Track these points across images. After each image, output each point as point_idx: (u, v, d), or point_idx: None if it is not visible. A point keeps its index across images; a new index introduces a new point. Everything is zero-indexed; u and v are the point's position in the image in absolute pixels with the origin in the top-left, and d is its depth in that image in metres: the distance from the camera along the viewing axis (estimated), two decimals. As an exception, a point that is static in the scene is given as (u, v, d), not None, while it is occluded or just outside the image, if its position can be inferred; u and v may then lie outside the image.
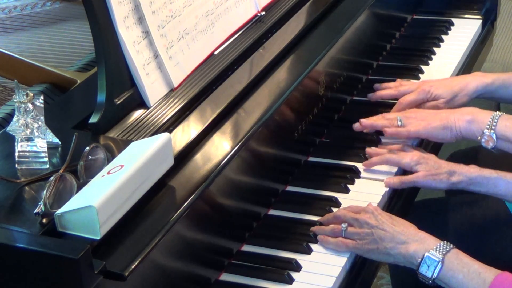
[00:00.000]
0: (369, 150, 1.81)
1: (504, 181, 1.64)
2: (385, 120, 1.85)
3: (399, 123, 1.82)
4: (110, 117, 1.43)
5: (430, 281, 1.48)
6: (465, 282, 1.45)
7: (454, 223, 1.84)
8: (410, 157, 1.72)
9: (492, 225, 1.81)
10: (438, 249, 1.48)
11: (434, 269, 1.46)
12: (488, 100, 2.00)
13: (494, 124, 1.73)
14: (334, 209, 1.65)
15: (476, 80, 1.92)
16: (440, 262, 1.46)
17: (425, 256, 1.47)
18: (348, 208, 1.62)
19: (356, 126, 1.87)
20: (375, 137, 1.88)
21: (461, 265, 1.46)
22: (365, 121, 1.86)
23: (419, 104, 1.93)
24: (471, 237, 1.78)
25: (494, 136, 1.73)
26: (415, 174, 1.70)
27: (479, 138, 1.75)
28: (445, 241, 1.49)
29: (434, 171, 1.68)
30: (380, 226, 1.53)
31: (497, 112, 1.76)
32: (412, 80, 2.09)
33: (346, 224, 1.56)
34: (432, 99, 1.92)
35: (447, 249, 1.47)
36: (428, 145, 1.92)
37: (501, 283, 1.42)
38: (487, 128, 1.74)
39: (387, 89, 2.00)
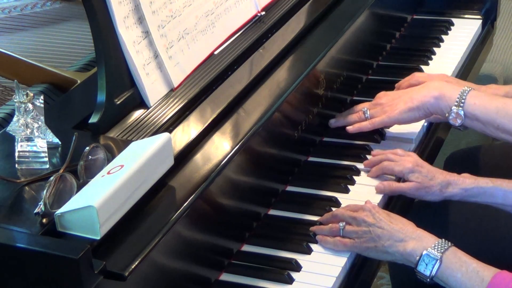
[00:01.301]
0: (366, 162, 1.79)
1: (501, 190, 1.62)
2: (353, 114, 1.86)
3: (366, 115, 1.83)
4: (110, 117, 1.43)
5: (428, 279, 1.48)
6: (463, 280, 1.45)
7: (454, 223, 1.84)
8: (403, 165, 1.70)
9: (492, 226, 1.81)
10: (436, 247, 1.48)
11: (433, 267, 1.46)
12: None
13: (463, 101, 1.71)
14: (334, 209, 1.64)
15: (489, 91, 1.90)
16: (438, 261, 1.46)
17: (423, 254, 1.47)
18: (347, 207, 1.62)
19: (330, 123, 1.88)
20: (375, 137, 1.88)
21: (460, 263, 1.46)
22: (335, 123, 1.88)
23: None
24: (471, 237, 1.78)
25: (462, 113, 1.71)
26: (407, 185, 1.68)
27: (446, 115, 1.73)
28: (443, 239, 1.49)
29: (426, 183, 1.66)
30: (378, 224, 1.53)
31: (465, 87, 1.74)
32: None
33: (344, 223, 1.56)
34: None
35: (446, 247, 1.47)
36: (429, 142, 1.92)
37: (499, 282, 1.43)
38: (455, 105, 1.72)
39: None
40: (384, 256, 1.53)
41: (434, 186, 1.65)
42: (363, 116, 1.84)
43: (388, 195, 1.72)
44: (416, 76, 1.95)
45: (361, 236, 1.54)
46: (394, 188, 1.70)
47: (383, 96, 1.86)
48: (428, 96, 1.75)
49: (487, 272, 1.45)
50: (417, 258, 1.48)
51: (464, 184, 1.64)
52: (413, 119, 1.80)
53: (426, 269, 1.47)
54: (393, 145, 1.84)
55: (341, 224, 1.56)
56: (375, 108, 1.83)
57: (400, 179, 1.74)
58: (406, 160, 1.71)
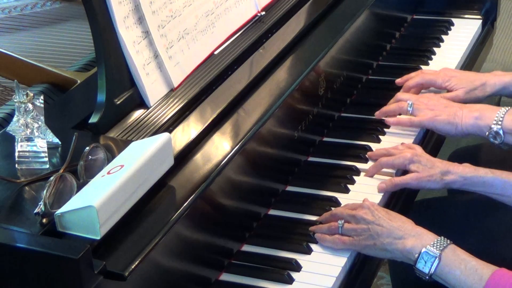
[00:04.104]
0: (370, 154, 1.81)
1: (500, 180, 1.64)
2: (395, 104, 1.88)
3: (409, 108, 1.85)
4: (110, 117, 1.43)
5: (427, 277, 1.48)
6: (462, 278, 1.45)
7: (454, 222, 1.84)
8: (403, 157, 1.72)
9: (491, 225, 1.81)
10: (435, 244, 1.48)
11: (431, 265, 1.46)
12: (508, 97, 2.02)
13: (501, 119, 1.75)
14: (333, 209, 1.64)
15: (495, 78, 1.94)
16: (437, 258, 1.46)
17: (422, 251, 1.47)
18: (345, 206, 1.62)
19: (376, 114, 1.91)
20: (375, 137, 1.88)
21: (458, 261, 1.46)
22: (378, 113, 1.91)
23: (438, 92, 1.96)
24: (470, 236, 1.78)
25: (501, 132, 1.74)
26: (408, 176, 1.70)
27: (487, 134, 1.77)
28: (442, 237, 1.49)
29: (427, 172, 1.68)
30: (376, 222, 1.53)
31: (505, 107, 1.77)
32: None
33: (343, 221, 1.56)
34: (450, 88, 1.94)
35: (444, 245, 1.47)
36: (430, 140, 1.92)
37: (498, 279, 1.43)
38: (494, 124, 1.75)
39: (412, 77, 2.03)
40: (383, 253, 1.53)
41: (434, 174, 1.67)
42: (405, 108, 1.86)
43: (392, 191, 1.73)
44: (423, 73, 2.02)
45: (360, 233, 1.54)
46: (396, 182, 1.71)
47: (431, 98, 1.88)
48: (469, 117, 1.79)
49: (486, 269, 1.45)
50: (416, 255, 1.48)
51: (464, 172, 1.67)
52: (449, 133, 1.84)
53: (425, 267, 1.47)
54: (393, 145, 1.84)
55: (340, 222, 1.56)
56: (419, 105, 1.85)
57: (402, 173, 1.76)
58: (405, 151, 1.74)
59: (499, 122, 1.75)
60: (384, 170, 1.76)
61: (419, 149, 1.76)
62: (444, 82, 1.95)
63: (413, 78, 2.01)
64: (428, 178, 1.68)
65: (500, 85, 1.93)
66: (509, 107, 1.77)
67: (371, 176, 1.76)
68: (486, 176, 1.65)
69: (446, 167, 1.68)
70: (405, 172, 1.76)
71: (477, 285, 1.43)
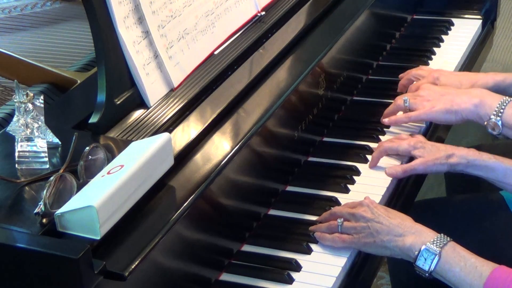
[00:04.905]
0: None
1: (502, 167, 1.65)
2: (392, 104, 1.89)
3: (406, 104, 1.84)
4: (110, 117, 1.43)
5: (427, 274, 1.48)
6: (462, 275, 1.45)
7: (454, 222, 1.84)
8: (407, 142, 1.74)
9: (493, 226, 1.81)
10: (435, 242, 1.48)
11: (431, 262, 1.46)
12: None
13: (502, 111, 1.73)
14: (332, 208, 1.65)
15: (487, 77, 1.93)
16: (437, 255, 1.46)
17: (422, 249, 1.47)
18: (345, 205, 1.62)
19: (381, 119, 1.91)
20: (375, 137, 1.88)
21: (458, 258, 1.46)
22: (382, 118, 1.90)
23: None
24: (471, 237, 1.78)
25: (499, 123, 1.73)
26: (415, 162, 1.71)
27: (485, 123, 1.76)
28: (442, 234, 1.49)
29: (432, 156, 1.70)
30: (376, 219, 1.53)
31: (506, 97, 1.76)
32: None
33: (342, 219, 1.56)
34: None
35: (444, 242, 1.48)
36: (430, 140, 1.93)
37: (497, 277, 1.43)
38: (494, 114, 1.74)
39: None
40: (382, 251, 1.53)
41: (440, 157, 1.69)
42: (402, 104, 1.85)
43: (402, 177, 1.74)
44: (419, 69, 2.00)
45: (359, 231, 1.54)
46: (405, 168, 1.72)
47: (426, 89, 1.87)
48: (468, 103, 1.77)
49: (485, 267, 1.45)
50: (416, 253, 1.48)
51: (467, 155, 1.68)
52: (448, 121, 1.83)
53: (425, 264, 1.47)
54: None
55: (339, 220, 1.56)
56: (415, 99, 1.85)
57: (408, 161, 1.77)
58: (409, 138, 1.77)
59: (499, 114, 1.73)
60: (391, 160, 1.77)
61: (422, 138, 1.77)
62: (434, 82, 1.94)
63: (409, 71, 2.02)
64: (433, 161, 1.69)
65: (492, 83, 1.92)
66: (511, 99, 1.75)
67: (375, 164, 1.78)
68: (489, 160, 1.66)
69: (451, 150, 1.69)
70: (411, 159, 1.76)
71: (477, 282, 1.44)
